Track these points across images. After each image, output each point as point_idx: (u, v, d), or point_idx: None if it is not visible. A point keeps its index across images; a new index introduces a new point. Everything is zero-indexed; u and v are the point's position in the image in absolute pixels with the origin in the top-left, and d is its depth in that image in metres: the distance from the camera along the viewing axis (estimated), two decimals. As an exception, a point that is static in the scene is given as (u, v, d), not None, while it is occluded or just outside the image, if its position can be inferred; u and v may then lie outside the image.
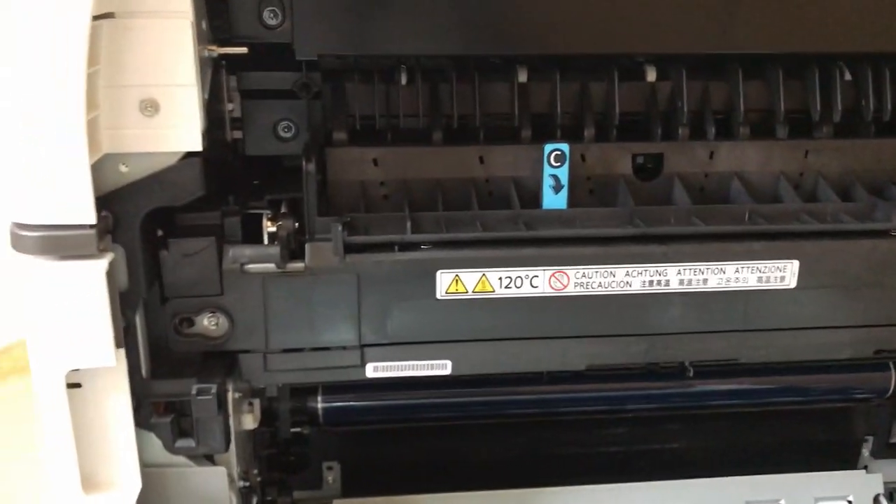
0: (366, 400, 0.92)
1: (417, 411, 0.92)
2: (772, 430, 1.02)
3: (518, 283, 0.75)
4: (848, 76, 0.85)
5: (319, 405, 0.90)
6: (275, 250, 0.70)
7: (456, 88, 0.80)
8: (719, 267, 0.76)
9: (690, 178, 0.82)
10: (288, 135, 0.82)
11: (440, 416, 0.94)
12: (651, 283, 0.76)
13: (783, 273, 0.77)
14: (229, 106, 0.80)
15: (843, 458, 1.03)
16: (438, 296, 0.74)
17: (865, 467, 1.02)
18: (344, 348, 0.75)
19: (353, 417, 0.93)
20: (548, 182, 0.79)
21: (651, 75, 0.84)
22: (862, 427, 1.02)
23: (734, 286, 0.76)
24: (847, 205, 0.80)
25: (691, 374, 0.90)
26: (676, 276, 0.76)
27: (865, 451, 1.03)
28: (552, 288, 0.75)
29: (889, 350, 0.83)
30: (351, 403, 0.92)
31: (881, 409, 1.00)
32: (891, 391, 0.95)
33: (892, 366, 0.95)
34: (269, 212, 0.74)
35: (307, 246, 0.72)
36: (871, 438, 1.02)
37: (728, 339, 0.79)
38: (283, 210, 0.75)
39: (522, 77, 0.81)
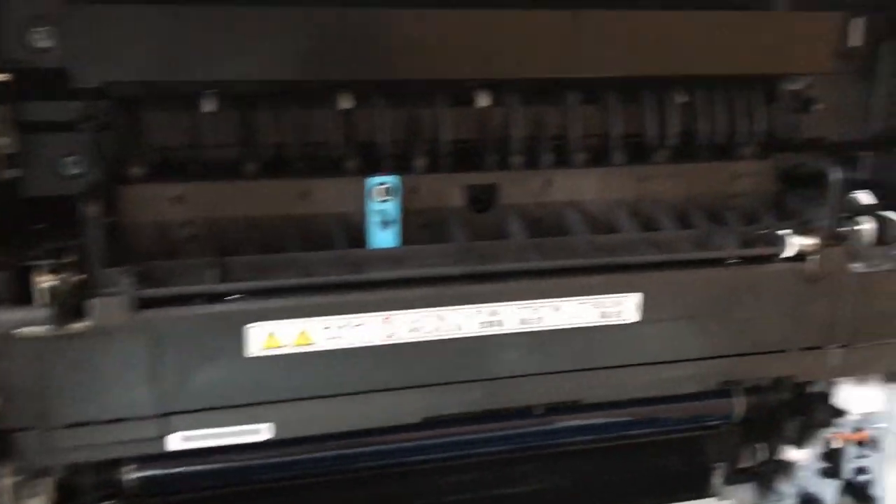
0: (186, 465, 0.81)
1: (243, 474, 0.82)
2: (624, 462, 0.99)
3: (343, 333, 0.68)
4: (681, 99, 0.83)
5: (128, 476, 0.79)
6: (45, 311, 0.60)
7: (272, 116, 0.73)
8: (557, 304, 0.71)
9: (526, 209, 0.78)
10: (77, 171, 0.72)
11: (272, 478, 0.84)
12: (486, 324, 0.70)
13: (624, 307, 0.73)
14: (3, 140, 0.69)
15: (694, 486, 1.01)
16: (250, 353, 0.65)
17: (718, 495, 1.01)
18: (140, 419, 0.65)
19: (172, 486, 0.82)
20: (374, 218, 0.72)
21: (483, 101, 0.79)
22: (713, 454, 1.00)
23: (574, 323, 0.72)
24: (686, 233, 0.77)
25: (539, 412, 0.85)
26: (513, 316, 0.70)
27: (716, 479, 1.01)
28: (380, 336, 0.68)
29: (734, 381, 0.80)
30: (168, 471, 0.81)
31: (731, 434, 0.98)
32: (739, 417, 0.94)
33: (738, 391, 0.93)
34: (47, 263, 0.64)
35: (92, 302, 0.62)
36: (721, 465, 1.00)
37: (570, 380, 0.74)
38: (67, 260, 0.65)
39: (346, 103, 0.74)
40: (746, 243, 0.76)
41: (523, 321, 0.71)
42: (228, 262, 0.67)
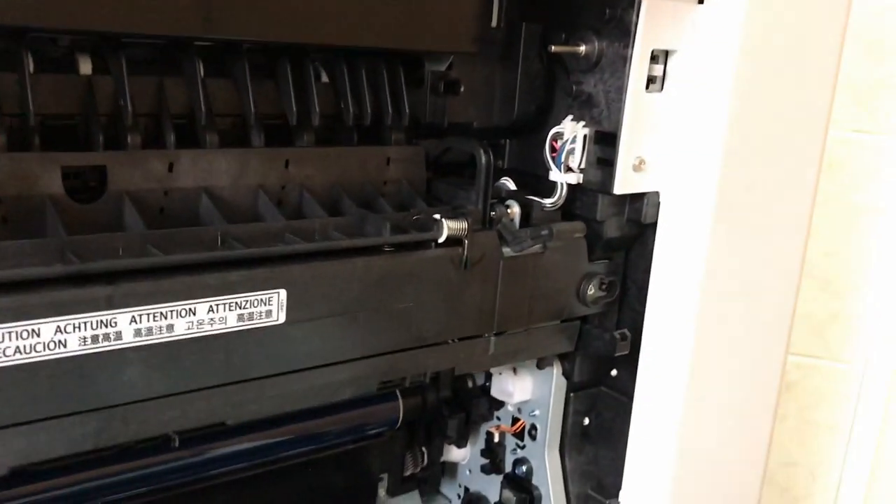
0: None
1: None
2: (284, 487, 0.88)
3: None
4: (325, 78, 0.75)
5: None
6: None
7: None
8: (188, 307, 0.59)
9: (146, 197, 0.64)
10: None
11: None
12: (95, 338, 0.55)
13: (269, 307, 0.62)
14: None
15: (361, 501, 0.94)
16: None
17: (384, 507, 0.94)
18: None
19: None
20: (-72, 210, 0.54)
21: (85, 66, 0.64)
22: (377, 465, 0.93)
23: (210, 330, 0.60)
24: (336, 220, 0.69)
25: (177, 443, 0.71)
26: (130, 326, 0.56)
27: (382, 490, 0.94)
28: (-59, 363, 0.50)
29: (395, 381, 0.74)
30: None
31: (393, 442, 0.92)
32: (400, 421, 0.88)
33: (398, 394, 0.87)
34: None
35: None
36: (385, 476, 0.94)
37: (210, 399, 0.62)
38: None
39: None
40: (400, 229, 0.70)
41: (144, 331, 0.57)
42: None
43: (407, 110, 0.77)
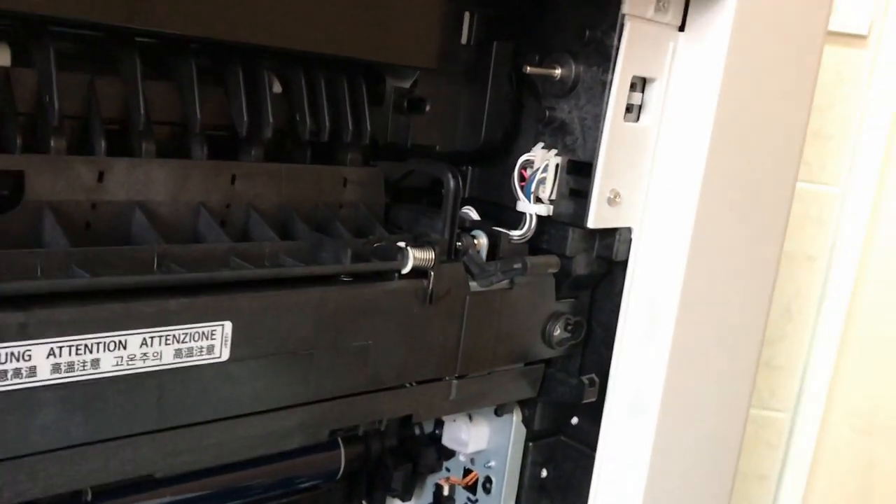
0: None
1: None
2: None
3: None
4: (278, 87, 0.68)
5: None
6: None
7: None
8: (117, 339, 0.50)
9: (70, 210, 0.55)
10: None
11: None
12: (4, 374, 0.46)
13: (212, 341, 0.54)
14: None
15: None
16: None
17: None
18: None
19: None
20: None
21: (3, 57, 0.55)
22: (312, 519, 0.84)
23: (142, 366, 0.51)
24: (288, 244, 0.61)
25: (89, 498, 0.61)
26: (47, 360, 0.47)
27: (317, 548, 0.85)
28: None
29: (346, 428, 0.66)
30: None
31: (331, 495, 0.83)
32: (341, 472, 0.79)
33: (340, 442, 0.79)
34: None
35: None
36: (322, 532, 0.85)
37: (137, 447, 0.53)
38: None
39: None
40: (360, 257, 0.62)
41: (64, 367, 0.48)
42: None
43: (368, 128, 0.70)
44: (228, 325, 0.54)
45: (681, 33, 0.73)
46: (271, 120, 0.64)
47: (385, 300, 0.63)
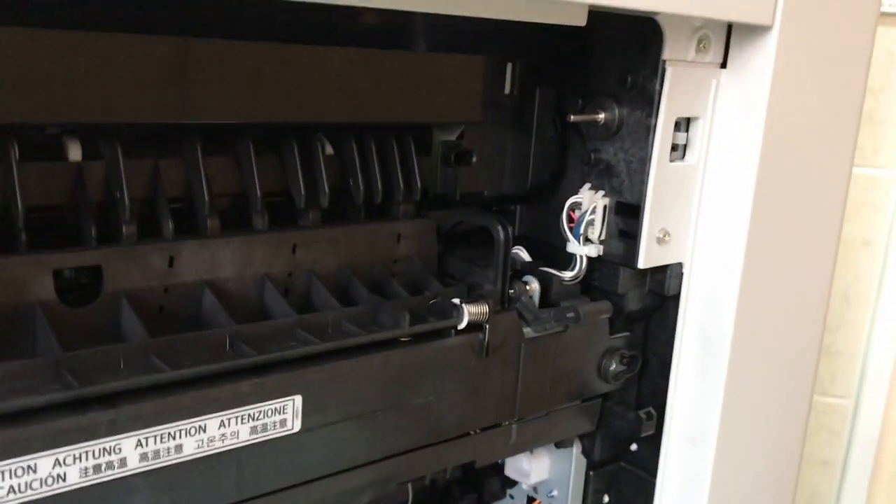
0: None
1: None
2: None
3: None
4: (330, 150, 0.70)
5: None
6: None
7: None
8: (198, 424, 0.53)
9: (144, 296, 0.59)
10: None
11: None
12: (98, 468, 0.49)
13: (284, 415, 0.57)
14: None
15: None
16: None
17: None
18: None
19: None
20: None
21: (75, 152, 0.59)
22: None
23: (221, 446, 0.54)
24: (349, 311, 0.64)
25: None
26: (136, 451, 0.51)
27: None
28: (-78, 511, 0.44)
29: (411, 479, 0.69)
30: None
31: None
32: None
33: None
34: None
35: None
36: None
37: (221, 521, 0.56)
38: None
39: None
40: (417, 317, 0.65)
41: (151, 455, 0.51)
42: None
43: (418, 183, 0.72)
44: (298, 398, 0.57)
45: (723, 70, 0.73)
46: (327, 190, 0.67)
47: (443, 357, 0.65)
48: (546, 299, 0.74)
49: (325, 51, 0.63)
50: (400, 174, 0.72)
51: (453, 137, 0.75)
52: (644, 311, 0.79)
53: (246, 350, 0.56)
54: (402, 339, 0.64)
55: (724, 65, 0.73)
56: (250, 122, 0.63)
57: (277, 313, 0.62)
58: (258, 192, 0.64)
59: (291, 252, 0.66)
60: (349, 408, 0.61)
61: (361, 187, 0.69)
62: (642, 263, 0.73)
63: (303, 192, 0.65)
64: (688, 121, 0.74)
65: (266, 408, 0.56)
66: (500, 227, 0.69)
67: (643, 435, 0.78)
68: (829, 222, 0.82)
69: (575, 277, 0.75)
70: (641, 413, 0.78)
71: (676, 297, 0.77)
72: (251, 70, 0.60)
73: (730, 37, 0.72)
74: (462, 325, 0.66)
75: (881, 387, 1.43)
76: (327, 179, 0.67)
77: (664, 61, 0.69)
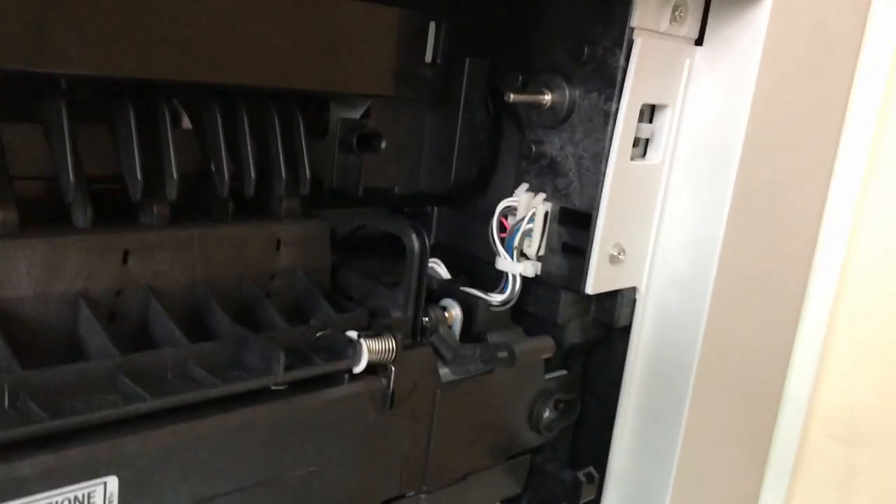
0: None
1: None
2: None
3: None
4: (186, 123, 0.52)
5: None
6: None
7: None
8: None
9: None
10: None
11: None
12: None
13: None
14: None
15: None
16: None
17: None
18: None
19: None
20: None
21: None
22: None
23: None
24: (200, 348, 0.45)
25: None
26: None
27: None
28: None
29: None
30: None
31: None
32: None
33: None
34: None
35: None
36: None
37: None
38: None
39: None
40: (299, 356, 0.47)
41: None
42: None
43: (307, 172, 0.55)
44: (113, 480, 0.39)
45: (698, 48, 0.58)
46: (176, 175, 0.48)
47: (333, 411, 0.48)
48: (468, 330, 0.58)
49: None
50: (282, 159, 0.53)
51: (357, 115, 0.58)
52: (586, 344, 0.63)
53: (34, 410, 0.37)
54: (276, 388, 0.46)
55: (699, 41, 0.59)
56: (64, 74, 0.43)
57: (93, 351, 0.43)
58: (71, 175, 0.44)
59: (121, 261, 0.47)
60: (195, 489, 0.42)
61: (227, 175, 0.51)
62: (591, 288, 0.57)
63: (139, 178, 0.46)
64: (652, 109, 0.59)
65: (62, 497, 0.37)
66: (414, 235, 0.52)
67: (582, 502, 0.62)
68: (807, 238, 0.69)
69: (506, 302, 0.59)
70: (580, 474, 0.62)
71: (627, 329, 0.62)
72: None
73: (708, 7, 0.58)
74: (359, 368, 0.48)
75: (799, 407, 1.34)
76: (177, 162, 0.48)
77: (632, 29, 0.54)
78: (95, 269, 0.46)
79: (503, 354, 0.52)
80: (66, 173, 0.45)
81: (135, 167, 0.46)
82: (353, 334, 0.49)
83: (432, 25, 0.57)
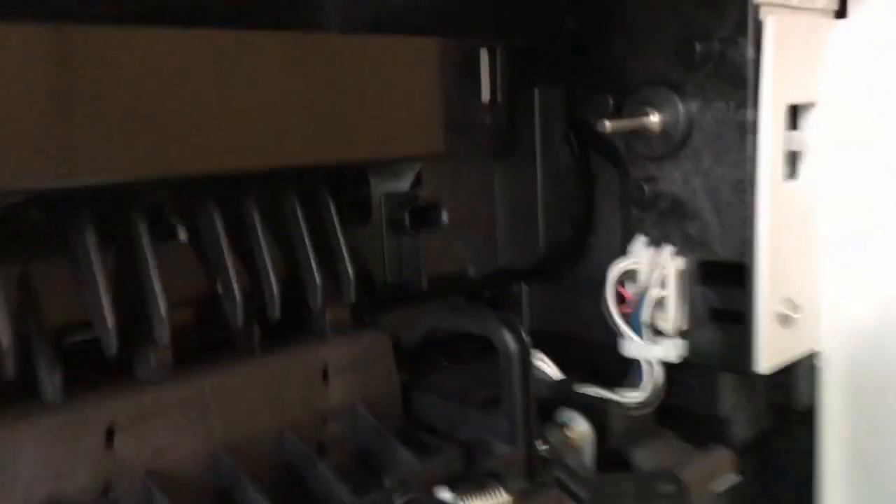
0: None
1: None
2: None
3: None
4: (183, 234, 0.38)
5: None
6: None
7: None
8: None
9: None
10: None
11: None
12: None
13: None
14: None
15: None
16: None
17: None
18: None
19: None
20: None
21: None
22: None
23: None
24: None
25: None
26: None
27: None
28: None
29: None
30: None
31: None
32: None
33: None
34: None
35: None
36: None
37: None
38: None
39: None
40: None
41: None
42: None
43: (350, 270, 0.40)
44: None
45: (840, 21, 0.43)
46: (163, 309, 0.34)
47: None
48: (603, 447, 0.42)
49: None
50: (313, 259, 0.39)
51: (405, 186, 0.43)
52: (758, 438, 0.47)
53: None
54: None
55: (841, 13, 0.43)
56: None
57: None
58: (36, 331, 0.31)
59: (106, 444, 0.32)
60: None
61: (238, 295, 0.37)
62: (762, 364, 0.41)
63: (110, 325, 0.32)
64: (794, 112, 0.43)
65: None
66: (507, 334, 0.37)
67: None
68: None
69: (648, 402, 0.43)
70: None
71: (810, 413, 0.46)
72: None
73: (848, -35, 0.43)
74: (461, 542, 0.33)
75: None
76: (169, 292, 0.34)
77: (756, 7, 0.39)
78: (67, 461, 0.31)
79: (668, 489, 0.35)
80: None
81: (102, 312, 0.33)
82: (446, 496, 0.33)
83: (484, 53, 0.42)
